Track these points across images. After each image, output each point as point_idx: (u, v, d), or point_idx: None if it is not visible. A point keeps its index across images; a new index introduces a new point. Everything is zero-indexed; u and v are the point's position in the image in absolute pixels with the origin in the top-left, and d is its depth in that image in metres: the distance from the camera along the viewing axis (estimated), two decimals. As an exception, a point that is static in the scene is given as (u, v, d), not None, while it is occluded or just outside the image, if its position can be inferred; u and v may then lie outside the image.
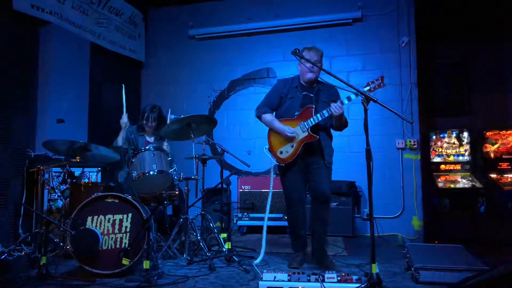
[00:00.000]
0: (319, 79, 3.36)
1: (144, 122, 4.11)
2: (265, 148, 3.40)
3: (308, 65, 3.19)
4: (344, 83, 2.70)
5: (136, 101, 6.20)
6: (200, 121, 3.72)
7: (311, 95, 3.34)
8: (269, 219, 4.66)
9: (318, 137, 3.23)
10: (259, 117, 3.48)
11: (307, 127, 3.22)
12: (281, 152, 3.30)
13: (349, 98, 3.11)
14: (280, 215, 4.84)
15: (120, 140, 4.05)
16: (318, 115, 3.18)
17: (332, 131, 3.45)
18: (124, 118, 4.09)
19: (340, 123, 3.25)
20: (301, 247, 3.40)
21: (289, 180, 3.38)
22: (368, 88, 3.01)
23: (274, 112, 3.50)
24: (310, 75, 3.30)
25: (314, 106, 3.25)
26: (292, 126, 3.26)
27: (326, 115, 3.15)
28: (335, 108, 3.07)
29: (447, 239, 4.12)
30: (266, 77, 5.84)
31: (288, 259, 3.45)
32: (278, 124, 3.32)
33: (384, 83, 3.01)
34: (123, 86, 4.01)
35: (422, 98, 5.38)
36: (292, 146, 3.27)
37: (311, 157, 3.32)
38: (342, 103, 3.10)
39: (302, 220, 3.39)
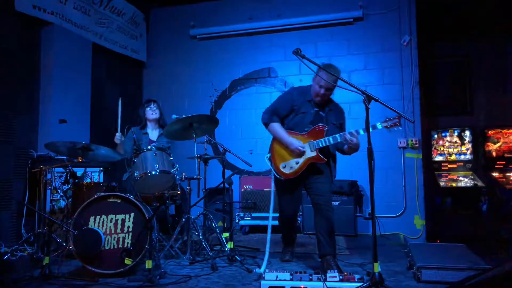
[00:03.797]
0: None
1: (147, 111, 4.25)
2: (267, 157, 3.30)
3: (320, 90, 3.09)
4: (346, 82, 2.70)
5: (138, 101, 6.21)
6: (202, 120, 3.73)
7: (323, 114, 3.23)
8: (272, 218, 4.70)
9: (325, 160, 3.10)
10: (266, 124, 3.29)
11: (316, 147, 3.08)
12: (284, 167, 3.17)
13: (365, 130, 2.79)
14: (276, 215, 4.82)
15: (122, 151, 4.10)
16: (331, 138, 3.03)
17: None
18: (117, 137, 4.08)
19: (352, 151, 3.08)
20: (291, 241, 3.59)
21: (285, 194, 3.31)
22: (385, 124, 2.90)
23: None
24: (317, 99, 3.19)
25: (326, 127, 3.11)
26: (300, 141, 3.12)
27: (339, 140, 3.00)
28: (350, 138, 2.92)
29: (449, 238, 4.12)
30: (267, 77, 5.84)
31: (279, 254, 3.60)
32: (287, 137, 3.14)
33: (400, 123, 2.87)
34: (120, 99, 3.94)
35: (424, 97, 5.38)
36: (297, 163, 3.12)
37: (315, 174, 3.20)
38: (358, 132, 2.95)
39: (293, 226, 3.58)
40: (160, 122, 4.35)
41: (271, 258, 3.59)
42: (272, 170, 3.25)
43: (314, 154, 3.09)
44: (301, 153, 3.09)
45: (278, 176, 3.22)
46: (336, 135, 3.01)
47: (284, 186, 3.28)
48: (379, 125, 2.92)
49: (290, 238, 3.62)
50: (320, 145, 3.06)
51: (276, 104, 3.33)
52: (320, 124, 3.14)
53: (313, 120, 3.19)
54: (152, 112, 4.27)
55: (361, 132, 2.94)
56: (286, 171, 3.16)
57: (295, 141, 3.11)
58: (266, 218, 4.89)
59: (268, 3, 5.86)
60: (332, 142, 3.04)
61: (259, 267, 3.10)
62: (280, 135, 3.19)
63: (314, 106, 3.22)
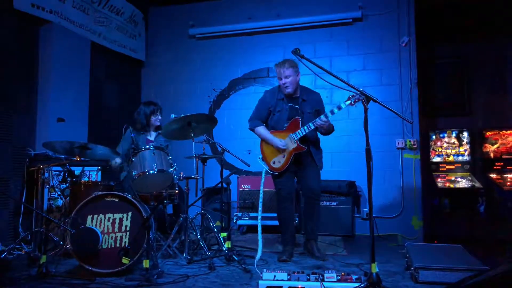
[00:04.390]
0: (302, 85, 3.70)
1: (152, 119, 4.19)
2: (259, 158, 3.64)
3: (281, 82, 3.56)
4: (345, 82, 2.71)
5: (136, 100, 6.20)
6: (200, 120, 3.73)
7: (296, 106, 3.62)
8: (267, 218, 4.73)
9: (306, 148, 3.52)
10: (252, 129, 3.73)
11: (295, 138, 3.48)
12: (274, 162, 3.58)
13: (332, 112, 3.34)
14: (267, 214, 4.82)
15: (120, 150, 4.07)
16: (305, 128, 3.44)
17: (319, 135, 3.74)
18: (116, 162, 3.95)
19: (327, 132, 3.54)
20: (289, 242, 3.65)
21: (280, 182, 3.64)
22: (349, 102, 3.17)
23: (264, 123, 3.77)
24: (287, 91, 3.58)
25: (300, 118, 3.52)
26: (282, 137, 3.54)
27: (312, 127, 3.42)
28: (320, 123, 3.36)
29: (446, 239, 4.12)
30: (266, 77, 5.84)
31: (277, 254, 3.67)
32: (270, 137, 3.57)
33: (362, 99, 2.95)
34: (125, 127, 3.93)
35: (422, 98, 5.38)
36: (284, 157, 3.54)
37: (302, 162, 3.62)
38: (326, 116, 3.35)
39: (292, 216, 3.76)
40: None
41: (268, 258, 3.60)
42: (266, 168, 3.59)
43: (295, 145, 3.49)
44: (285, 149, 3.50)
45: (272, 172, 3.60)
46: (310, 124, 3.42)
47: (279, 176, 3.63)
48: (343, 105, 3.23)
49: (289, 234, 3.66)
50: (298, 136, 3.47)
51: (256, 110, 3.78)
52: (295, 117, 3.55)
53: (289, 115, 3.60)
54: (158, 121, 4.24)
55: (329, 115, 3.34)
56: (277, 166, 3.57)
57: (276, 140, 3.53)
58: (264, 218, 4.89)
59: (267, 3, 5.86)
60: (307, 130, 3.44)
61: (257, 266, 3.09)
62: (264, 136, 3.63)
63: (287, 102, 3.63)
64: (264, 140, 3.65)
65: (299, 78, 3.62)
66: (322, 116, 3.36)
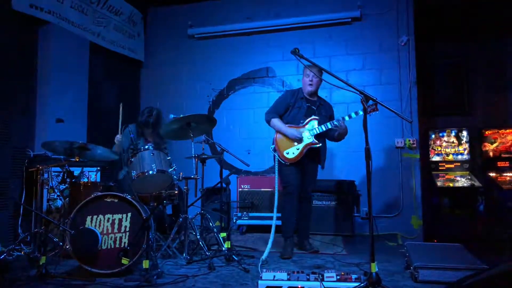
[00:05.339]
0: (319, 94, 3.94)
1: (145, 131, 4.10)
2: (271, 147, 3.81)
3: (307, 79, 3.77)
4: (344, 82, 2.71)
5: (136, 100, 6.20)
6: (199, 120, 3.73)
7: (314, 107, 3.85)
8: (267, 218, 4.71)
9: (321, 144, 3.75)
10: (268, 121, 3.91)
11: (312, 134, 3.71)
12: (287, 153, 3.76)
13: (350, 116, 3.60)
14: (280, 215, 4.83)
15: (115, 148, 4.02)
16: (323, 126, 3.69)
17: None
18: (117, 137, 3.95)
19: (340, 136, 3.80)
20: (291, 235, 3.82)
21: (287, 175, 3.79)
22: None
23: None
24: (309, 88, 3.81)
25: (318, 118, 3.76)
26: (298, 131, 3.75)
27: (330, 127, 3.68)
28: (339, 124, 3.63)
29: (446, 238, 4.13)
30: (265, 77, 5.84)
31: (279, 251, 3.77)
32: (286, 128, 3.77)
33: (378, 108, 3.14)
34: (121, 105, 3.90)
35: (421, 97, 5.38)
36: (298, 149, 3.73)
37: (310, 160, 3.83)
38: (343, 119, 3.64)
39: (295, 208, 3.88)
40: (154, 131, 4.15)
41: (268, 258, 3.59)
42: (278, 157, 3.74)
43: (311, 140, 3.72)
44: (300, 140, 3.71)
45: (283, 162, 3.76)
46: (328, 123, 3.68)
47: (288, 168, 3.78)
48: (360, 111, 3.45)
49: (292, 226, 3.83)
50: (316, 132, 3.71)
51: (275, 105, 3.97)
52: (314, 116, 3.79)
53: (306, 113, 3.83)
54: (143, 130, 4.12)
55: (346, 118, 3.64)
56: (290, 156, 3.74)
57: (293, 129, 3.74)
58: (264, 218, 4.89)
59: (266, 3, 5.85)
60: (325, 129, 3.69)
61: (257, 266, 3.10)
62: (280, 127, 3.81)
63: (306, 102, 3.86)
64: (279, 131, 3.82)
65: (320, 84, 3.85)
66: (340, 118, 3.64)
